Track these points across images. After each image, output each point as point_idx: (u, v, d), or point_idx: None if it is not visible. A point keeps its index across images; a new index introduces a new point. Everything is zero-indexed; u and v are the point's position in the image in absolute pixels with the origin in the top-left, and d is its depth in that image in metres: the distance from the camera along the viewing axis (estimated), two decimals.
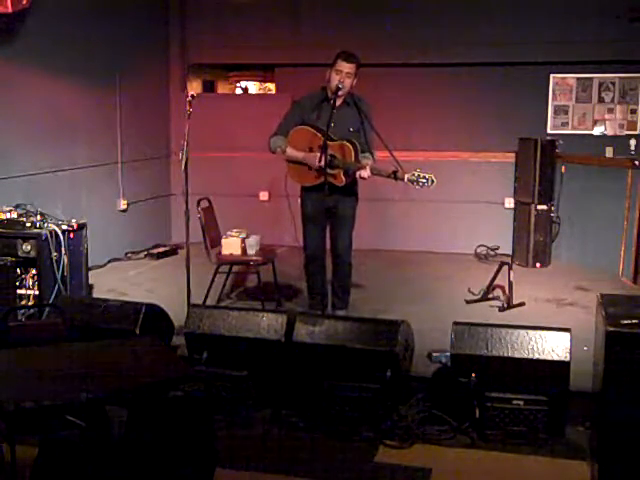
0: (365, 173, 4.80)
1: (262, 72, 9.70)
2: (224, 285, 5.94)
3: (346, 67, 4.89)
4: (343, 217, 5.14)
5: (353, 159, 4.87)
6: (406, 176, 4.61)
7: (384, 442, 3.81)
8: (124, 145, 7.41)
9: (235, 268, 6.03)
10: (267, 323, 4.26)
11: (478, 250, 7.62)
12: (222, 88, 9.85)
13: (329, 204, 4.87)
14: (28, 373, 2.97)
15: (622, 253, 6.65)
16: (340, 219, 5.13)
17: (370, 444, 3.80)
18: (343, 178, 4.90)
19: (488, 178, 7.72)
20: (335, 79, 4.88)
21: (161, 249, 7.72)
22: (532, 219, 7.21)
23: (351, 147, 4.87)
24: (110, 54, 7.06)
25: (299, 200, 5.22)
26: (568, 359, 3.80)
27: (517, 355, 3.86)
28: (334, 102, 4.84)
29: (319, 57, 7.90)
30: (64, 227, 5.28)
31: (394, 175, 4.66)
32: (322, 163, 4.70)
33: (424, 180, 4.57)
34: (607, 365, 3.30)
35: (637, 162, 6.55)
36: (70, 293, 5.24)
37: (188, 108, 4.87)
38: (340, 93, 4.89)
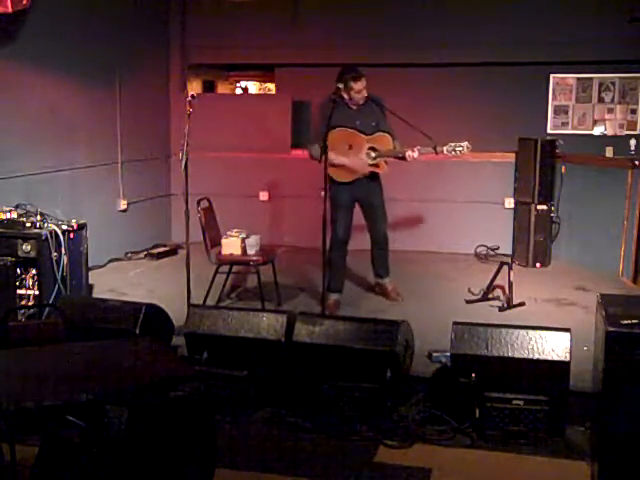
0: (415, 153, 5.38)
1: (262, 72, 9.71)
2: (224, 285, 5.94)
3: (362, 85, 5.44)
4: (377, 205, 5.72)
5: (392, 146, 5.50)
6: (445, 148, 5.33)
7: (384, 442, 3.81)
8: (124, 145, 7.41)
9: (235, 268, 6.03)
10: (267, 323, 4.26)
11: (478, 250, 7.62)
12: (222, 88, 9.86)
13: (360, 194, 5.60)
14: (28, 373, 2.97)
15: (622, 253, 6.65)
16: (374, 208, 5.72)
17: (370, 444, 3.80)
18: (385, 166, 5.57)
19: (488, 178, 7.72)
20: (358, 97, 5.46)
21: (161, 249, 7.72)
22: (532, 219, 7.21)
23: (388, 135, 5.51)
24: (110, 54, 7.06)
25: (329, 195, 5.45)
26: (568, 359, 3.80)
27: (517, 355, 3.86)
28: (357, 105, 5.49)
29: (319, 57, 7.95)
30: (64, 227, 5.28)
31: (434, 149, 5.35)
32: (369, 169, 5.45)
33: (460, 148, 5.31)
34: (607, 365, 3.30)
35: (637, 162, 6.55)
36: (70, 293, 5.24)
37: (188, 108, 4.88)
38: (362, 102, 5.52)
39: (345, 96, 5.46)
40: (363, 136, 5.47)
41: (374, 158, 5.48)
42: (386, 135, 5.50)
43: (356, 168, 5.50)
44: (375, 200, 5.70)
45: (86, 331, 4.18)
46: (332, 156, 5.27)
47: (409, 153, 5.39)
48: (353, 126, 5.47)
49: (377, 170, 5.55)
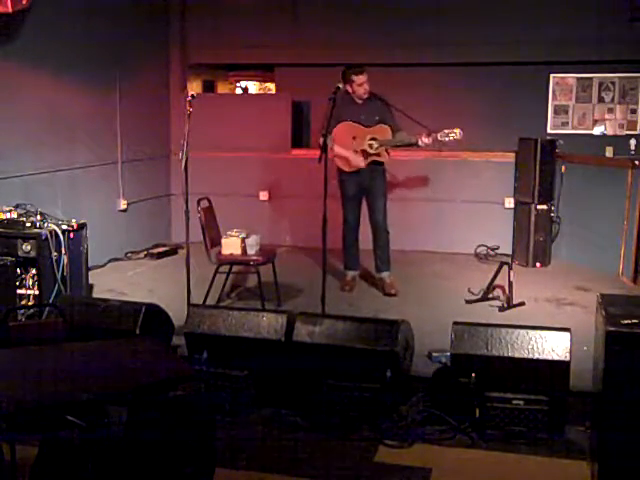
0: (426, 139, 5.79)
1: (262, 72, 9.71)
2: (224, 285, 5.94)
3: (364, 78, 5.84)
4: (378, 192, 6.06)
5: (390, 136, 5.89)
6: (438, 135, 5.78)
7: (384, 442, 3.81)
8: (124, 145, 7.41)
9: (235, 268, 6.03)
10: (267, 323, 4.26)
11: (478, 250, 7.62)
12: (222, 88, 9.85)
13: (366, 184, 6.01)
14: (28, 373, 2.97)
15: (622, 253, 6.65)
16: (376, 195, 6.06)
17: (370, 444, 3.80)
18: (387, 155, 5.96)
19: (488, 178, 7.71)
20: (361, 90, 5.86)
21: (161, 249, 7.71)
22: (532, 219, 7.20)
23: (387, 127, 5.92)
24: (110, 54, 7.06)
25: (337, 182, 6.04)
26: (568, 359, 3.80)
27: (517, 355, 3.87)
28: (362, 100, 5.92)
29: (319, 57, 7.95)
30: (64, 227, 5.28)
31: (429, 135, 5.80)
32: (364, 164, 5.89)
33: (453, 134, 5.77)
34: (607, 365, 3.29)
35: (637, 162, 6.55)
36: (70, 293, 5.24)
37: (188, 108, 4.88)
38: (366, 96, 5.92)
39: (349, 90, 5.85)
40: (365, 128, 5.88)
41: (376, 148, 5.87)
42: (385, 126, 5.90)
43: (356, 164, 5.92)
44: (377, 188, 6.05)
45: (86, 331, 4.17)
46: (337, 149, 5.90)
47: (424, 139, 5.78)
48: (357, 120, 5.90)
49: (379, 159, 5.94)
